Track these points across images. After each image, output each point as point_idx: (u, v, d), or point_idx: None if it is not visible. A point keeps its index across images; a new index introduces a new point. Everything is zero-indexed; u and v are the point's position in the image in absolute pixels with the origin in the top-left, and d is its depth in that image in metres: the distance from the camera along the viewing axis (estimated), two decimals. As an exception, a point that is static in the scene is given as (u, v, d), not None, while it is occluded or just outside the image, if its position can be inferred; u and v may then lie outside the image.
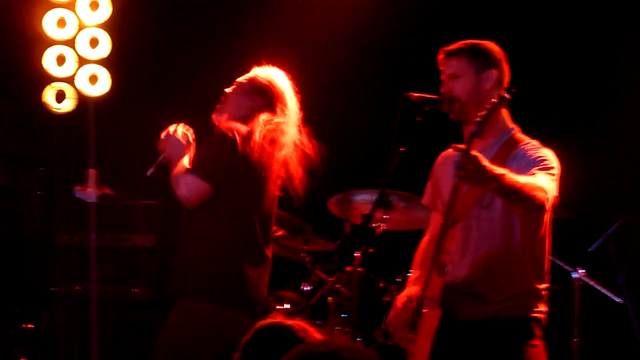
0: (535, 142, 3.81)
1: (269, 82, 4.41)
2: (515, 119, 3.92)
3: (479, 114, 3.54)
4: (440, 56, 3.94)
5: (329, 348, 2.28)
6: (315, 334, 2.46)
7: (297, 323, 2.51)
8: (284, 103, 4.40)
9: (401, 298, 3.96)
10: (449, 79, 3.85)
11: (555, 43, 6.58)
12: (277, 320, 2.51)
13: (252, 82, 4.40)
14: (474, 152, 3.34)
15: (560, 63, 6.56)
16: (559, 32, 6.49)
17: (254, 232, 4.26)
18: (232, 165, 4.11)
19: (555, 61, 6.54)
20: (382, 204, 4.60)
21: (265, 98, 4.36)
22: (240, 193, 4.18)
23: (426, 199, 4.16)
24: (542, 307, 3.78)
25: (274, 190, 4.32)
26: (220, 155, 4.15)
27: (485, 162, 3.39)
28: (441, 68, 3.93)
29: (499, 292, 3.71)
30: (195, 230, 4.22)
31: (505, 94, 3.59)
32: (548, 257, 3.86)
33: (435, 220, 4.01)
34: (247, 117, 4.24)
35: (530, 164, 3.67)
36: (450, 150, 3.91)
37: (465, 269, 3.77)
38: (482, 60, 3.86)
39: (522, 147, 3.77)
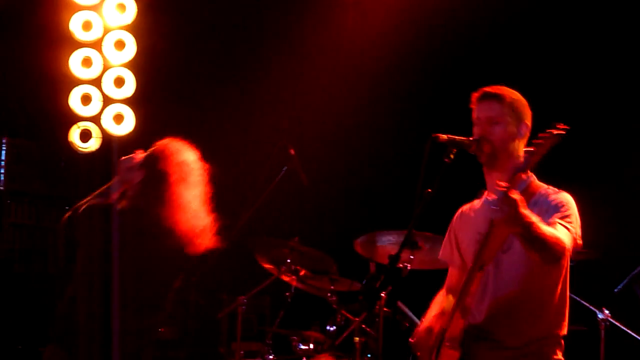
0: (553, 188, 3.83)
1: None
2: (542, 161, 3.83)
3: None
4: (478, 96, 3.93)
5: None
6: None
7: None
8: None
9: (422, 328, 3.95)
10: (486, 122, 3.84)
11: (582, 83, 6.55)
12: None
13: None
14: (515, 195, 3.34)
15: (587, 106, 6.56)
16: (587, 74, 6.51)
17: None
18: None
19: (582, 103, 6.55)
20: (409, 244, 4.83)
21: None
22: None
23: (444, 253, 4.21)
24: (560, 355, 3.76)
25: None
26: None
27: (523, 206, 3.39)
28: (475, 107, 3.93)
29: (517, 337, 3.70)
30: None
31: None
32: (567, 302, 3.85)
33: (452, 275, 4.07)
34: None
35: (550, 210, 3.70)
36: (467, 206, 4.07)
37: (483, 313, 3.77)
38: (521, 111, 3.90)
39: (542, 192, 3.79)
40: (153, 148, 4.86)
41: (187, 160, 4.75)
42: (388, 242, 5.56)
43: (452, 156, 3.76)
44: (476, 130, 3.88)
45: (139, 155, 4.76)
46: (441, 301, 4.15)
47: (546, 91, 6.06)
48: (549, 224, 3.66)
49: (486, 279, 3.81)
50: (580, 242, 3.78)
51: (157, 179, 4.65)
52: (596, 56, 6.68)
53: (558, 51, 6.69)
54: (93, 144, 6.54)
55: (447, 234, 4.18)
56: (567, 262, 3.81)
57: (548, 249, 3.56)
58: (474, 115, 3.93)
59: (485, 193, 4.05)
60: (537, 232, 3.51)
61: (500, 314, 3.78)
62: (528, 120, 3.92)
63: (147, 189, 4.68)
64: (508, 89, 3.97)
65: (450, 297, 4.05)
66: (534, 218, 3.53)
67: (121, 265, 4.61)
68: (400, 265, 4.84)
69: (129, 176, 4.75)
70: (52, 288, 7.23)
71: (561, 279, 3.81)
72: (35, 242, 7.31)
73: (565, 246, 3.60)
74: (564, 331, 3.85)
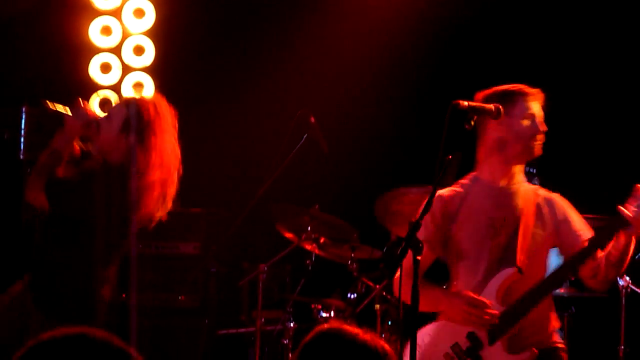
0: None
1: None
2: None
3: None
4: (538, 92, 4.01)
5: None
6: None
7: (352, 328, 2.58)
8: None
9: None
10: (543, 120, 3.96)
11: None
12: (335, 325, 2.56)
13: None
14: None
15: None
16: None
17: None
18: None
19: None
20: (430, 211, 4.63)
21: None
22: None
23: (427, 234, 3.94)
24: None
25: None
26: None
27: None
28: (530, 101, 3.98)
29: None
30: None
31: None
32: None
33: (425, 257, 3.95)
34: None
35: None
36: (452, 190, 4.00)
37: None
38: None
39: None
40: (124, 100, 4.79)
41: (164, 110, 4.56)
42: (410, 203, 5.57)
43: (472, 123, 3.78)
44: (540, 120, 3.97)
45: (89, 108, 4.54)
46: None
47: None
48: None
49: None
50: None
51: (140, 131, 4.40)
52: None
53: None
54: None
55: (427, 215, 3.96)
56: None
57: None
58: (530, 110, 3.98)
59: (474, 175, 4.07)
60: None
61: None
62: None
63: (125, 143, 4.43)
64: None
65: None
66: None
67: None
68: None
69: (85, 131, 4.48)
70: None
71: None
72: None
73: None
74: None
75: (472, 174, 4.13)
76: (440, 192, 3.98)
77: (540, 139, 3.98)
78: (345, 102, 6.81)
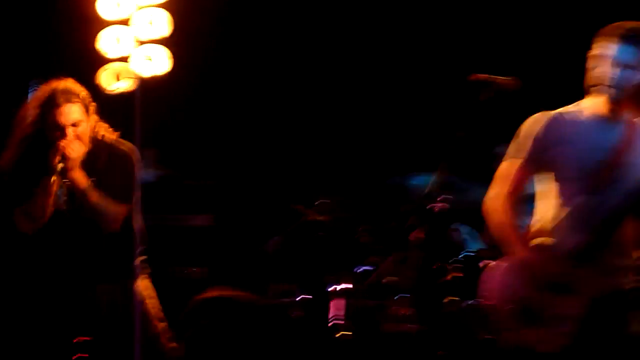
0: None
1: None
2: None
3: None
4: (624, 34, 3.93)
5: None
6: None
7: (226, 292, 2.83)
8: None
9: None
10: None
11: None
12: (212, 293, 2.79)
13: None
14: None
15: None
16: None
17: None
18: None
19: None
20: (441, 185, 4.85)
21: None
22: None
23: (529, 153, 4.06)
24: None
25: None
26: None
27: None
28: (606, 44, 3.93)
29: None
30: None
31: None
32: None
33: (520, 179, 4.07)
34: None
35: None
36: (566, 112, 4.00)
37: None
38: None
39: None
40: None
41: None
42: (420, 185, 5.68)
43: (492, 94, 4.00)
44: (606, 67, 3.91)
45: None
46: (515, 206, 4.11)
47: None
48: None
49: None
50: None
51: None
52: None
53: None
54: (124, 85, 6.48)
55: (530, 134, 4.10)
56: None
57: None
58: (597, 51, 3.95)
59: (587, 107, 4.04)
60: None
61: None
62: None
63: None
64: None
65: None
66: None
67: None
68: (432, 205, 5.09)
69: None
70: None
71: None
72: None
73: None
74: None
75: None
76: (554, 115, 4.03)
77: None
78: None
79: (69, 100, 4.48)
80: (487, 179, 4.49)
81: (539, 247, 4.04)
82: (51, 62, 6.79)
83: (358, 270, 5.62)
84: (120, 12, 6.28)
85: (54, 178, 4.40)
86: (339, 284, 5.53)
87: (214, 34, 7.19)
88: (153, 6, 6.33)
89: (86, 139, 4.44)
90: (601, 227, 3.91)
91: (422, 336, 5.35)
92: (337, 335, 5.51)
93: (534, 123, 4.04)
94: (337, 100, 7.26)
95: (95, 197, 4.41)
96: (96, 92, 6.65)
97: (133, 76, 6.37)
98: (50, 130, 4.39)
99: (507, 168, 4.07)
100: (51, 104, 4.48)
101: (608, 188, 3.90)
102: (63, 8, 6.65)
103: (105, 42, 6.33)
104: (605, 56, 3.93)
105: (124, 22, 6.37)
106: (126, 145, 4.62)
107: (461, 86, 4.25)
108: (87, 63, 6.50)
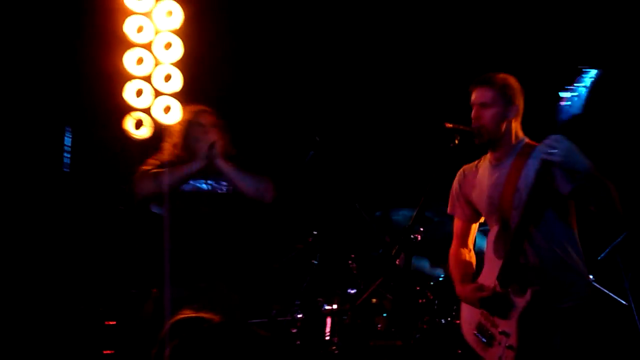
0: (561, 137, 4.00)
1: None
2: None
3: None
4: (473, 83, 4.34)
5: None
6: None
7: (203, 314, 2.94)
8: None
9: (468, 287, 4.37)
10: (479, 106, 4.27)
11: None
12: (185, 315, 2.92)
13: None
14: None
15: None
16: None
17: None
18: None
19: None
20: (420, 218, 4.87)
21: None
22: None
23: (452, 209, 4.66)
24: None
25: None
26: None
27: None
28: (471, 93, 4.34)
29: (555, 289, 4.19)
30: None
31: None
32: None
33: (459, 226, 4.62)
34: None
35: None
36: (469, 167, 4.53)
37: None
38: (511, 94, 4.31)
39: (537, 147, 4.15)
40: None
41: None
42: (403, 217, 6.09)
43: (456, 142, 4.22)
44: (472, 113, 4.29)
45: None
46: (460, 255, 4.59)
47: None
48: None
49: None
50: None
51: None
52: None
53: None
54: (145, 132, 6.67)
55: (452, 191, 4.61)
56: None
57: (603, 190, 3.96)
58: (471, 99, 4.34)
59: (486, 158, 4.48)
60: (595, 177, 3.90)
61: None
62: (519, 101, 4.31)
63: None
64: (500, 74, 4.35)
65: (472, 254, 4.60)
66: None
67: None
68: (412, 236, 5.31)
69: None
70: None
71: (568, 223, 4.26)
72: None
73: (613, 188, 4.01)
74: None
75: None
76: (464, 168, 4.55)
77: (480, 132, 4.29)
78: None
79: (205, 112, 5.65)
80: None
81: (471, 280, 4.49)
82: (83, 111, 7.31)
83: (348, 292, 6.01)
84: (142, 68, 6.61)
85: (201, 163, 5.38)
86: (330, 304, 6.01)
87: (219, 89, 7.52)
88: (170, 64, 6.61)
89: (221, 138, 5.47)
90: (510, 249, 4.16)
91: (404, 350, 5.77)
92: (330, 349, 5.90)
93: (454, 181, 4.64)
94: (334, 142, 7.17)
95: (236, 173, 5.37)
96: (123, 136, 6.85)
97: (152, 124, 6.59)
98: (194, 135, 5.52)
99: (454, 224, 4.68)
100: (194, 117, 5.63)
101: (510, 216, 4.27)
102: (92, 65, 7.09)
103: (129, 94, 6.58)
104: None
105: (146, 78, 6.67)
106: None
107: (436, 134, 4.50)
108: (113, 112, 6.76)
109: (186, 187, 5.48)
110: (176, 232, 5.20)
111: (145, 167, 5.60)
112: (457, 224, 4.69)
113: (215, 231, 5.38)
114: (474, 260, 4.67)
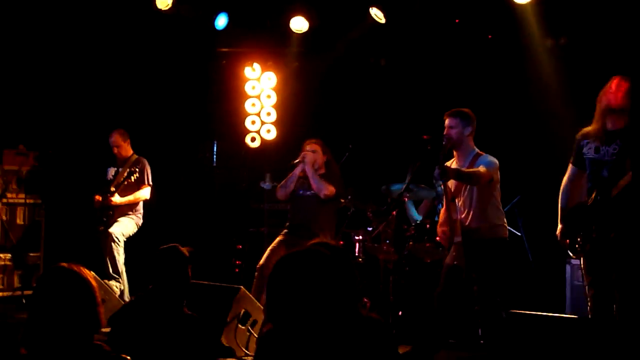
0: (487, 155, 5.50)
1: None
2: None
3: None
4: (446, 114, 5.59)
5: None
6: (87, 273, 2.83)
7: (77, 267, 2.84)
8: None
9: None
10: (448, 128, 5.56)
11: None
12: (62, 264, 2.82)
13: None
14: (446, 168, 5.27)
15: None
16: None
17: None
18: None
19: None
20: (407, 189, 6.56)
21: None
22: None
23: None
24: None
25: None
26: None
27: (451, 171, 5.29)
28: (445, 120, 5.60)
29: (478, 229, 5.58)
30: None
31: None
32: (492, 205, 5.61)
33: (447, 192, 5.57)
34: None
35: (481, 164, 5.46)
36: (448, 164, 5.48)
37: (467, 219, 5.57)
38: (467, 121, 5.62)
39: (481, 157, 5.53)
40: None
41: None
42: (397, 190, 7.11)
43: (429, 147, 5.44)
44: (444, 131, 5.54)
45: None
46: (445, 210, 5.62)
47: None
48: (477, 168, 5.36)
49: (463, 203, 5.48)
50: (495, 176, 5.51)
51: None
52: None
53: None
54: (256, 144, 9.42)
55: (435, 175, 5.53)
56: (488, 183, 5.48)
57: (470, 179, 5.32)
58: (445, 123, 5.58)
59: (453, 160, 5.66)
60: (462, 174, 5.31)
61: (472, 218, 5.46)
62: (472, 126, 5.60)
63: None
64: (463, 109, 5.58)
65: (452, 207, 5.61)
66: (460, 172, 5.32)
67: None
68: (403, 198, 7.14)
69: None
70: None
71: (488, 192, 5.52)
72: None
73: (481, 175, 5.34)
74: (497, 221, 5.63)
75: None
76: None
77: (446, 142, 5.48)
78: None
79: (312, 141, 6.94)
80: (429, 185, 6.71)
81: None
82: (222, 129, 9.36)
83: (368, 229, 7.44)
84: (254, 109, 9.29)
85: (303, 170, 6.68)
86: (358, 235, 7.47)
87: (309, 117, 8.97)
88: (270, 107, 9.30)
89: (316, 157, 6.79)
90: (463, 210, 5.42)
91: (399, 261, 7.04)
92: (357, 261, 7.22)
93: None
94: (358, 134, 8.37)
95: (310, 172, 6.65)
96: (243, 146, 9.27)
97: (261, 140, 9.33)
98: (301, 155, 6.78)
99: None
100: (305, 144, 6.90)
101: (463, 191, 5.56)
102: (226, 104, 9.37)
103: (248, 123, 9.19)
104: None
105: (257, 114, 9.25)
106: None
107: (419, 141, 5.53)
108: (238, 130, 9.28)
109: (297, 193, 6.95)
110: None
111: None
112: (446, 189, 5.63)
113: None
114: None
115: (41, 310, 2.72)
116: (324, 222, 6.82)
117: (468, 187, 5.61)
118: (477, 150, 5.69)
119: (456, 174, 5.38)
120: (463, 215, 5.64)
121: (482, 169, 5.47)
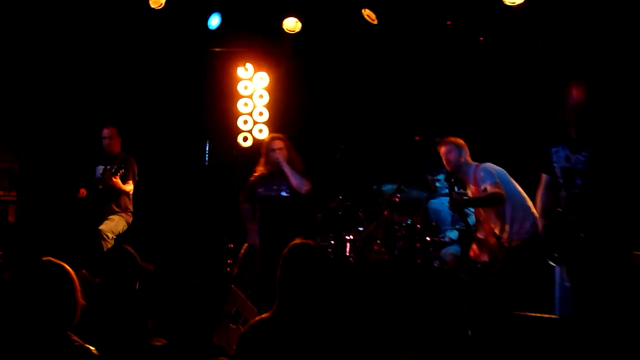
0: (483, 168, 5.76)
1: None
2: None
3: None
4: (438, 146, 5.94)
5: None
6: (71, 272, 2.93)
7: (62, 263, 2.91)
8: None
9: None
10: (446, 154, 5.96)
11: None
12: (47, 258, 2.88)
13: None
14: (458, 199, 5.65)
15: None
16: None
17: None
18: None
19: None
20: (399, 190, 6.79)
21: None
22: None
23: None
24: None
25: None
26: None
27: (463, 202, 5.77)
28: (440, 149, 5.95)
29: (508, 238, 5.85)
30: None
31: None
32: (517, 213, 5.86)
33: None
34: None
35: (482, 184, 5.74)
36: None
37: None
38: (459, 146, 6.04)
39: (479, 169, 5.82)
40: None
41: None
42: (389, 190, 7.18)
43: (420, 149, 5.97)
44: (443, 159, 5.88)
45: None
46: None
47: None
48: (484, 191, 5.61)
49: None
50: (501, 191, 5.73)
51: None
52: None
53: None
54: (249, 144, 9.28)
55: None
56: (505, 196, 5.72)
57: (489, 203, 5.64)
58: (441, 152, 5.93)
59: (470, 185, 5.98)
60: (478, 200, 5.70)
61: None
62: (465, 149, 5.99)
63: None
64: (455, 137, 5.94)
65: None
66: (472, 201, 5.74)
67: None
68: (395, 199, 6.94)
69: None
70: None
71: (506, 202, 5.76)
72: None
73: (495, 193, 5.62)
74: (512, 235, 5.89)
75: None
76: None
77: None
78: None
79: (276, 139, 6.92)
80: (421, 188, 6.89)
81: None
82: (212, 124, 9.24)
83: (359, 229, 7.23)
84: (247, 109, 9.13)
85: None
86: (349, 235, 7.20)
87: (300, 119, 8.90)
88: (263, 106, 9.19)
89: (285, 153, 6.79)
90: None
91: (390, 262, 6.87)
92: (349, 260, 7.03)
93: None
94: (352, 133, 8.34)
95: (290, 170, 6.64)
96: (236, 146, 9.09)
97: (252, 139, 9.13)
98: (270, 156, 6.90)
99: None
100: (270, 142, 6.87)
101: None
102: (217, 104, 9.26)
103: (240, 122, 9.06)
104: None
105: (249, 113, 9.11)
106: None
107: (411, 144, 5.94)
108: (230, 131, 9.13)
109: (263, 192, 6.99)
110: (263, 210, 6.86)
111: (250, 178, 7.02)
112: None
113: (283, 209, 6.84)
114: None
115: (18, 300, 2.85)
116: (295, 219, 6.96)
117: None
118: (474, 163, 6.01)
119: (471, 202, 5.78)
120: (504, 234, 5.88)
121: (489, 188, 5.75)
